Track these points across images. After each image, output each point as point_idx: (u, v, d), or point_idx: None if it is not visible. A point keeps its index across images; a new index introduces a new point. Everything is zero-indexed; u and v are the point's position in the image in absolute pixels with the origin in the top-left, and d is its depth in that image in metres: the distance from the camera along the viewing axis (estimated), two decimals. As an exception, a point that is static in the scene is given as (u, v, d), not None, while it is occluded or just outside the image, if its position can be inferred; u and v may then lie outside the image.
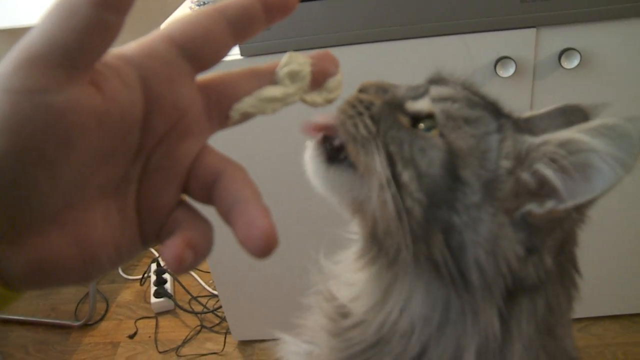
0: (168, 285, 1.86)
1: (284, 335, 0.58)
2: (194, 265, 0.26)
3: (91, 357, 1.70)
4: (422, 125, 0.47)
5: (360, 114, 0.48)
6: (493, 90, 1.14)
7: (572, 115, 0.55)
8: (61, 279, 0.25)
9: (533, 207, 0.43)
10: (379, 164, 0.45)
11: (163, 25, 0.28)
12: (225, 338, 1.68)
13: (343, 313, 0.51)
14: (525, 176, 0.44)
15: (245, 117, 0.31)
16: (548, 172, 0.42)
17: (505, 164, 0.45)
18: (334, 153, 0.49)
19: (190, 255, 0.26)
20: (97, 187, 0.26)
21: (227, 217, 0.27)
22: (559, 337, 0.47)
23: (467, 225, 0.43)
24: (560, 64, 1.12)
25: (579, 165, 0.41)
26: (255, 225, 0.25)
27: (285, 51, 0.32)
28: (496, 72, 1.12)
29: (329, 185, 0.49)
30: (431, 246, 0.44)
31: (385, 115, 0.48)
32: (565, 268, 0.48)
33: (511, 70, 1.11)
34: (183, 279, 1.88)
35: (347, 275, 0.53)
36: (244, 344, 1.67)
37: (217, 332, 1.72)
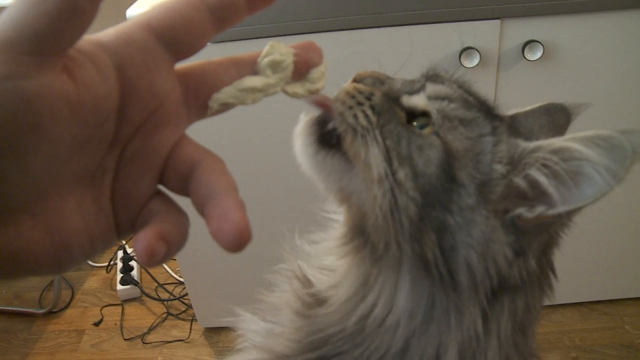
0: (134, 273, 1.84)
1: (244, 312, 0.57)
2: (166, 258, 0.26)
3: (55, 345, 1.68)
4: (415, 123, 0.47)
5: (360, 104, 0.47)
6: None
7: (556, 113, 0.56)
8: (33, 269, 0.25)
9: (523, 211, 0.44)
10: (375, 157, 0.44)
11: (135, 10, 0.27)
12: (191, 325, 1.68)
13: (318, 299, 0.50)
14: (518, 180, 0.44)
15: (225, 107, 0.30)
16: (540, 178, 0.43)
17: (499, 167, 0.45)
18: (325, 135, 0.48)
19: (163, 247, 0.25)
20: (71, 177, 0.25)
21: (201, 209, 0.26)
22: (528, 336, 0.48)
23: (461, 227, 0.43)
24: (524, 55, 1.14)
25: (572, 173, 0.41)
26: (228, 218, 0.25)
27: (255, 38, 0.31)
28: (461, 63, 1.13)
29: (316, 169, 0.48)
30: (423, 245, 0.43)
31: (385, 107, 0.47)
32: (545, 269, 0.48)
33: (475, 61, 1.12)
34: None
35: (327, 261, 0.53)
36: (210, 331, 1.67)
37: (183, 320, 1.72)
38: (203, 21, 0.27)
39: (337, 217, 0.55)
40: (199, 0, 0.27)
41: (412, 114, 0.48)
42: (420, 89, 0.49)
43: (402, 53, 1.16)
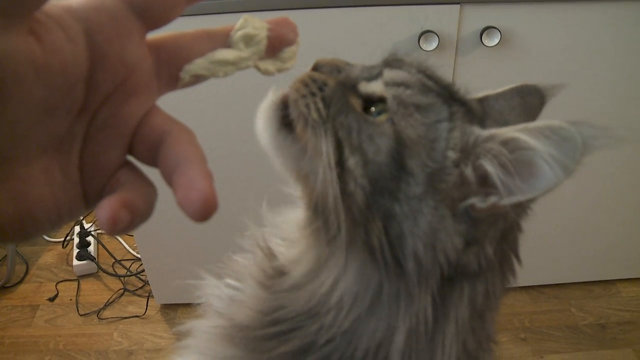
0: (91, 248, 1.82)
1: (207, 277, 0.57)
2: (130, 228, 0.25)
3: (8, 320, 1.66)
4: (373, 109, 0.47)
5: (312, 94, 0.46)
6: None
7: (529, 95, 0.55)
8: None
9: (476, 201, 0.43)
10: (325, 148, 0.44)
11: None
12: (147, 301, 1.67)
13: (280, 271, 0.51)
14: (469, 170, 0.44)
15: (196, 79, 0.30)
16: (490, 169, 0.42)
17: (452, 155, 0.44)
18: (287, 117, 0.48)
19: (127, 216, 0.25)
20: (37, 143, 0.24)
21: (169, 178, 0.26)
22: (486, 321, 0.48)
23: (407, 216, 0.43)
24: (482, 41, 1.16)
25: (522, 165, 0.41)
26: (195, 187, 0.25)
27: (224, 12, 0.31)
28: (420, 46, 1.14)
29: (275, 148, 0.48)
30: (369, 232, 0.43)
31: (336, 98, 0.47)
32: (506, 255, 0.48)
33: (434, 44, 1.14)
34: (107, 241, 1.85)
35: (291, 236, 0.53)
36: (167, 308, 1.67)
37: (139, 296, 1.71)
38: None
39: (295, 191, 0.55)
40: None
41: (370, 101, 0.47)
42: (378, 75, 0.49)
43: (361, 34, 1.17)
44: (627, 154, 1.39)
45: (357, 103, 0.47)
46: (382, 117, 0.46)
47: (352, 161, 0.44)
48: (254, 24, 0.31)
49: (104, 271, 1.77)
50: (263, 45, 0.31)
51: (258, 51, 0.31)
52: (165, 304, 1.67)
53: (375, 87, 0.48)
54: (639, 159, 1.40)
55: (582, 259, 1.63)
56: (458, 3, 1.13)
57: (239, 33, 0.31)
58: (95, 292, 1.74)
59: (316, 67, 0.49)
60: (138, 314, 1.66)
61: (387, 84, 0.47)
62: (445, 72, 0.52)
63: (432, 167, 0.44)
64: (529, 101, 0.55)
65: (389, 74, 0.48)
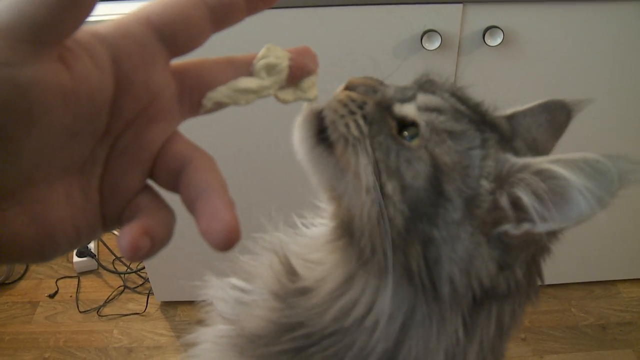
0: (91, 245, 1.82)
1: (211, 278, 0.56)
2: (150, 254, 0.25)
3: (8, 317, 1.66)
4: (405, 133, 0.47)
5: (352, 112, 0.46)
6: (418, 62, 1.16)
7: (556, 111, 0.55)
8: (15, 257, 0.25)
9: (509, 228, 0.44)
10: (365, 168, 0.44)
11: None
12: (147, 299, 1.67)
13: (301, 289, 0.50)
14: (504, 199, 0.44)
15: (218, 106, 0.30)
16: (524, 198, 0.42)
17: (485, 184, 0.44)
18: (324, 131, 0.47)
19: (147, 243, 0.25)
20: (60, 166, 0.25)
21: (191, 207, 0.26)
22: (506, 339, 0.49)
23: (445, 241, 0.43)
24: (484, 40, 1.15)
25: (556, 195, 0.41)
26: (218, 217, 0.25)
27: None
28: (422, 45, 1.14)
29: (312, 162, 0.48)
30: (408, 256, 0.44)
31: (377, 117, 0.46)
32: (533, 277, 0.48)
33: (437, 44, 1.13)
34: (107, 238, 1.85)
35: (315, 255, 0.52)
36: (167, 305, 1.67)
37: (139, 293, 1.71)
38: (202, 19, 0.27)
39: (325, 206, 0.55)
40: None
41: (403, 123, 0.47)
42: (412, 97, 0.48)
43: (364, 33, 1.17)
44: (628, 152, 1.39)
45: (392, 125, 0.47)
46: (415, 142, 0.46)
47: (390, 186, 0.44)
48: (276, 53, 0.31)
49: (104, 268, 1.77)
50: (284, 74, 0.31)
51: (279, 80, 0.31)
52: (165, 302, 1.67)
53: (408, 111, 0.47)
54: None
55: (583, 259, 1.62)
56: (461, 2, 1.12)
57: (262, 62, 0.31)
58: (95, 289, 1.74)
59: (350, 87, 0.49)
60: (138, 311, 1.66)
61: (420, 109, 0.47)
62: (447, 71, 0.52)
63: (468, 193, 0.44)
64: (555, 117, 0.55)
65: (422, 98, 0.48)
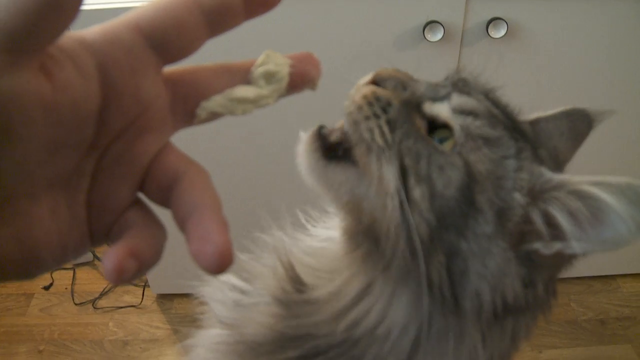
0: (87, 237, 1.81)
1: (207, 277, 0.54)
2: (137, 276, 0.24)
3: (2, 309, 1.64)
4: (435, 137, 0.44)
5: (376, 116, 0.43)
6: (421, 54, 1.14)
7: (577, 119, 0.54)
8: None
9: (540, 247, 0.42)
10: (389, 173, 0.42)
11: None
12: (143, 291, 1.66)
13: (309, 300, 0.47)
14: (537, 215, 0.42)
15: (213, 116, 0.28)
16: (560, 218, 0.41)
17: (518, 197, 0.42)
18: (329, 149, 0.45)
19: (133, 265, 0.23)
20: (43, 181, 0.23)
21: (182, 224, 0.25)
22: (516, 350, 0.48)
23: (475, 255, 0.41)
24: (488, 32, 1.13)
25: (594, 218, 0.39)
26: (210, 240, 0.23)
27: None
28: (424, 36, 1.12)
29: (325, 183, 0.45)
30: (430, 265, 0.41)
31: (402, 120, 0.44)
32: (550, 292, 0.47)
33: (439, 35, 1.11)
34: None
35: (329, 264, 0.49)
36: (163, 298, 1.66)
37: (135, 285, 1.69)
38: (196, 24, 0.25)
39: (336, 213, 0.53)
40: (193, 1, 0.25)
41: (433, 125, 0.45)
42: (445, 97, 0.46)
43: (366, 23, 1.14)
44: (627, 147, 1.38)
45: (421, 124, 0.44)
46: (447, 146, 0.43)
47: (417, 192, 0.41)
48: (276, 60, 0.29)
49: (100, 260, 1.75)
50: (285, 82, 0.29)
51: (279, 89, 0.29)
52: (161, 294, 1.65)
53: (441, 111, 0.45)
54: (642, 154, 1.39)
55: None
56: (464, -7, 1.10)
57: (260, 69, 0.29)
58: (90, 281, 1.73)
59: (377, 81, 0.46)
60: (134, 304, 1.64)
61: (455, 111, 0.44)
62: (450, 63, 0.50)
63: (499, 205, 0.42)
64: (577, 126, 0.54)
65: (458, 100, 0.45)
